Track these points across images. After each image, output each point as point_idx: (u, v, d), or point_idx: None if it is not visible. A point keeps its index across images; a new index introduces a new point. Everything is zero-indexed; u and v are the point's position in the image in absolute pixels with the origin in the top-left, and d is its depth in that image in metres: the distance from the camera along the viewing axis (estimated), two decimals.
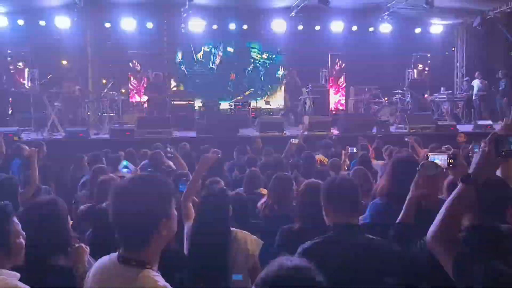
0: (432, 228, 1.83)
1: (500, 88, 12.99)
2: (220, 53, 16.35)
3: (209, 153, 4.60)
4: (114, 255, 1.62)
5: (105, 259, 1.66)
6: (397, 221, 2.23)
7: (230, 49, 16.35)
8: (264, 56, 16.81)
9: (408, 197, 2.21)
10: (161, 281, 1.54)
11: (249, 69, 16.63)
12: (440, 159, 2.34)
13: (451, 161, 2.29)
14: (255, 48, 16.73)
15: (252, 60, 16.69)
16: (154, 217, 1.55)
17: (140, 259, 1.55)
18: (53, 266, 2.26)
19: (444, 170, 2.34)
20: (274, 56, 16.83)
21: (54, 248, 2.28)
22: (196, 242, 2.78)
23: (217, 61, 16.37)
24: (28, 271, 2.15)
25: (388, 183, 2.82)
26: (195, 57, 16.10)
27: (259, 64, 16.78)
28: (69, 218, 2.52)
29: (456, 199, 1.78)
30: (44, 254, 2.25)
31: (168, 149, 5.52)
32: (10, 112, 11.70)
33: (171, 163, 5.44)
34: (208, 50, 16.24)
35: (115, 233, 2.79)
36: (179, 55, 16.02)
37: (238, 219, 3.11)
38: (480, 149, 1.76)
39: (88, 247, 2.38)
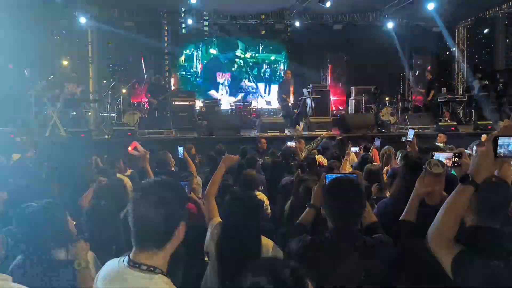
0: (431, 228, 1.84)
1: (497, 89, 13.00)
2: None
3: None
4: (123, 258, 1.62)
5: (114, 262, 1.66)
6: (400, 218, 2.24)
7: (213, 51, 16.40)
8: (248, 55, 16.77)
9: (412, 195, 2.21)
10: (171, 287, 1.55)
11: (233, 69, 16.66)
12: (445, 158, 2.34)
13: (456, 159, 2.29)
14: (238, 48, 16.65)
15: (236, 60, 16.70)
16: (176, 219, 1.58)
17: (152, 264, 1.55)
18: (53, 260, 2.35)
19: (449, 168, 2.33)
20: (256, 54, 16.86)
21: (54, 243, 2.38)
22: (226, 247, 2.73)
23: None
24: (29, 265, 2.30)
25: (399, 184, 2.83)
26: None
27: (243, 62, 16.77)
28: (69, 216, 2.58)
29: (455, 199, 1.79)
30: (44, 249, 2.35)
31: (180, 150, 5.51)
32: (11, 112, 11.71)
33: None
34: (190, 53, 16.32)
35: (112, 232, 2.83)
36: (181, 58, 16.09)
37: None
38: (478, 150, 1.78)
39: (88, 243, 2.44)
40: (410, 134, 5.06)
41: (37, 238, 2.36)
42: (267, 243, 2.78)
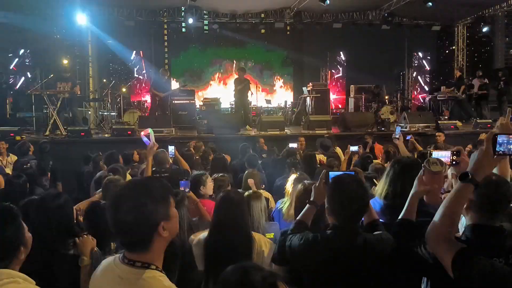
0: (430, 227, 1.84)
1: (499, 87, 12.99)
2: None
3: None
4: (119, 256, 1.63)
5: (110, 259, 1.68)
6: (400, 217, 2.24)
7: None
8: None
9: (411, 193, 2.21)
10: (166, 281, 1.56)
11: None
12: (443, 156, 2.34)
13: (455, 158, 2.30)
14: None
15: None
16: (152, 221, 1.56)
17: (145, 260, 1.57)
18: (62, 255, 2.38)
19: (448, 167, 2.33)
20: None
21: (60, 238, 2.41)
22: (217, 248, 2.76)
23: None
24: (38, 259, 2.30)
25: (389, 182, 2.83)
26: None
27: None
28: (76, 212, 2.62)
29: (454, 197, 1.80)
30: (52, 243, 2.38)
31: (170, 149, 5.56)
32: (10, 112, 11.72)
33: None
34: None
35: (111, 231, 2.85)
36: None
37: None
38: (478, 148, 1.79)
39: (95, 239, 2.45)
40: (397, 131, 5.10)
41: (45, 226, 2.38)
42: (258, 237, 2.82)
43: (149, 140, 4.17)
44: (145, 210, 1.53)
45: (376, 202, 2.91)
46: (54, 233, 2.39)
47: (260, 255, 2.75)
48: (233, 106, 14.04)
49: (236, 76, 12.25)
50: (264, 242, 2.81)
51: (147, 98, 13.25)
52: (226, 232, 2.76)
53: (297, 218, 2.63)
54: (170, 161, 5.63)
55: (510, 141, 1.73)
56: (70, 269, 2.33)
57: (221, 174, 4.40)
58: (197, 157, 6.74)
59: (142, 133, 4.37)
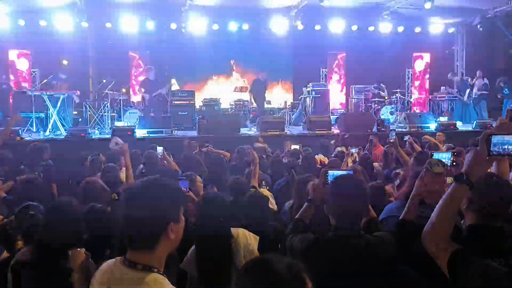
0: (426, 227, 1.84)
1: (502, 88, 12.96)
2: None
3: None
4: (120, 258, 1.62)
5: (110, 262, 1.67)
6: (400, 218, 2.24)
7: None
8: None
9: (412, 194, 2.22)
10: (168, 284, 1.55)
11: None
12: (444, 157, 2.34)
13: (455, 159, 2.30)
14: None
15: None
16: (163, 220, 1.56)
17: (147, 263, 1.55)
18: (60, 267, 2.35)
19: (449, 167, 2.33)
20: None
21: (63, 249, 2.37)
22: (200, 248, 2.80)
23: None
24: (38, 269, 2.34)
25: (407, 188, 2.82)
26: None
27: None
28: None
29: (449, 198, 1.79)
30: (55, 254, 2.38)
31: (159, 150, 5.57)
32: (10, 112, 11.72)
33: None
34: None
35: (112, 235, 2.85)
36: None
37: (256, 220, 3.16)
38: (473, 149, 1.78)
39: (88, 253, 2.40)
40: (392, 135, 5.17)
41: (51, 237, 2.36)
42: (244, 233, 2.86)
43: (118, 143, 4.27)
44: (159, 207, 1.55)
45: (394, 207, 2.94)
46: (59, 244, 2.37)
47: (247, 249, 2.78)
48: (233, 106, 14.04)
49: (255, 78, 13.11)
50: (249, 237, 2.85)
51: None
52: (206, 232, 2.78)
53: (296, 216, 2.63)
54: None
55: (505, 142, 1.71)
56: (65, 282, 2.30)
57: None
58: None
59: (110, 145, 4.47)
